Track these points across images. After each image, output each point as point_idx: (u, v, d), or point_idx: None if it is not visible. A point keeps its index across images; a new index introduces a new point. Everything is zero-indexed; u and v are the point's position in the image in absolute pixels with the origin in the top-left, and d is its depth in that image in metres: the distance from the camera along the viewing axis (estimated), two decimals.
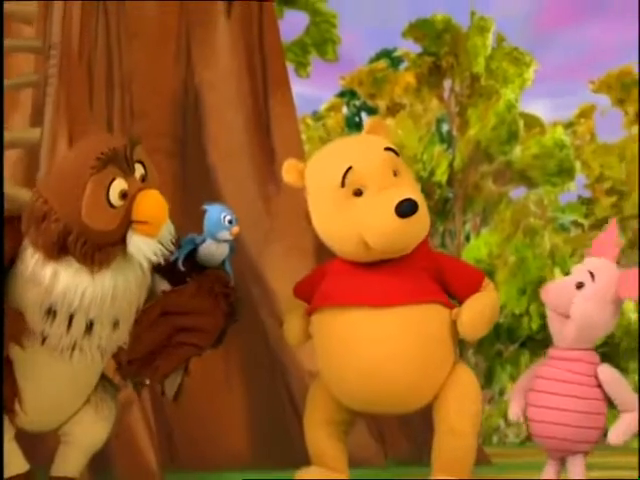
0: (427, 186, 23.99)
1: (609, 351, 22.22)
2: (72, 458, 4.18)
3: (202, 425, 7.45)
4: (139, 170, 3.72)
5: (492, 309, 4.20)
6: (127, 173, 3.67)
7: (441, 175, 24.32)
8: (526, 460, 10.00)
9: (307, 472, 4.32)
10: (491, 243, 23.24)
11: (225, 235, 4.00)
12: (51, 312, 3.72)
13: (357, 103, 29.71)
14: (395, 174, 4.11)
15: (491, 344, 22.37)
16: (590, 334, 4.25)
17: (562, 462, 4.32)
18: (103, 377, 4.13)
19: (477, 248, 23.31)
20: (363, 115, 29.95)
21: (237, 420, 7.69)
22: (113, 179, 3.63)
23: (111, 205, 3.62)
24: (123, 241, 3.68)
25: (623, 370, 22.83)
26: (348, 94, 28.74)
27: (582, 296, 4.18)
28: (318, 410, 4.37)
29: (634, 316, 22.45)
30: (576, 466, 4.24)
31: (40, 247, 3.70)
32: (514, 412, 4.42)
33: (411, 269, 4.12)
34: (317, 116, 27.94)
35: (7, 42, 7.48)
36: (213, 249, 4.01)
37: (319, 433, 4.34)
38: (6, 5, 7.44)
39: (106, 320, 3.78)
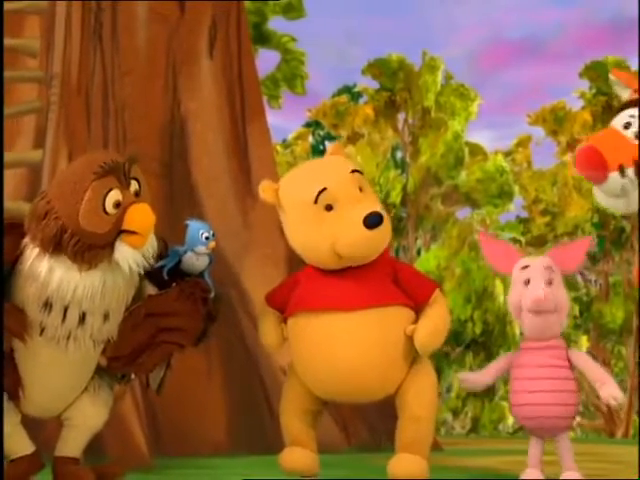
0: (383, 206, 23.96)
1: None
2: (73, 440, 4.14)
3: (185, 414, 7.43)
4: (134, 186, 3.77)
5: (443, 328, 4.19)
6: (123, 186, 3.71)
7: (395, 197, 24.37)
8: (470, 447, 10.09)
9: (289, 452, 4.34)
10: (440, 257, 23.30)
11: (202, 249, 4.05)
12: (48, 305, 3.73)
13: (321, 133, 29.71)
14: (360, 190, 4.16)
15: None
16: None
17: (543, 440, 4.36)
18: (100, 368, 4.13)
19: (427, 261, 23.36)
20: (327, 143, 29.97)
21: (216, 410, 7.68)
22: (110, 189, 3.67)
23: (105, 212, 3.67)
24: (110, 246, 3.71)
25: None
26: (314, 124, 28.73)
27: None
28: (293, 400, 4.38)
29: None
30: (563, 440, 4.31)
31: (38, 241, 3.72)
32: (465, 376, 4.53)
33: (375, 275, 4.15)
34: (286, 144, 27.92)
35: (13, 73, 7.48)
36: (193, 260, 4.05)
37: (293, 420, 4.36)
38: (13, 40, 7.45)
39: (97, 312, 3.80)
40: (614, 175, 3.75)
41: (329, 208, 4.08)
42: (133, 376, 4.14)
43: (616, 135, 3.86)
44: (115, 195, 3.68)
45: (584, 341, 23.33)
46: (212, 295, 4.07)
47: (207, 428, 7.59)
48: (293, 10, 16.73)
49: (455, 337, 21.98)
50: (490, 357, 22.30)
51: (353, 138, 25.17)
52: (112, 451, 6.34)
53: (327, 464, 4.57)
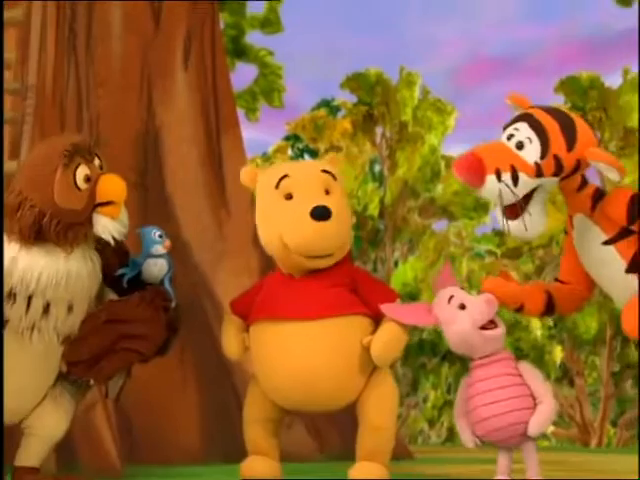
0: (361, 218, 24.07)
1: None
2: (34, 449, 4.09)
3: (159, 423, 7.38)
4: (97, 160, 3.88)
5: (399, 340, 4.16)
6: (89, 161, 3.81)
7: (373, 209, 24.40)
8: (444, 455, 10.06)
9: (251, 461, 4.31)
10: (417, 268, 23.32)
11: (159, 249, 4.04)
12: (11, 295, 3.72)
13: (301, 146, 29.67)
14: (327, 192, 4.13)
15: (416, 357, 22.46)
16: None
17: (511, 450, 4.29)
18: (63, 377, 4.09)
19: (404, 273, 23.39)
20: (306, 156, 29.97)
21: (190, 419, 7.62)
22: (78, 165, 3.75)
23: (77, 188, 3.74)
24: (89, 222, 3.79)
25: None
26: (293, 138, 28.70)
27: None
28: (255, 409, 4.36)
29: (539, 332, 22.67)
30: (529, 448, 4.23)
31: (17, 233, 3.74)
32: (468, 440, 4.30)
33: (335, 284, 4.12)
34: (266, 157, 27.83)
35: None
36: (152, 265, 4.03)
37: (256, 429, 4.33)
38: None
39: (61, 303, 3.80)
40: (491, 178, 3.84)
41: (289, 197, 4.07)
42: (92, 382, 4.10)
43: (498, 144, 3.99)
44: (83, 170, 3.77)
45: (558, 351, 23.35)
46: (173, 304, 4.05)
47: (182, 437, 7.53)
48: (270, 25, 16.74)
49: (432, 348, 21.99)
50: (465, 367, 22.26)
51: (331, 151, 25.14)
52: (83, 459, 6.31)
53: (297, 471, 4.55)
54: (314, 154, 27.22)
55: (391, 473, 4.30)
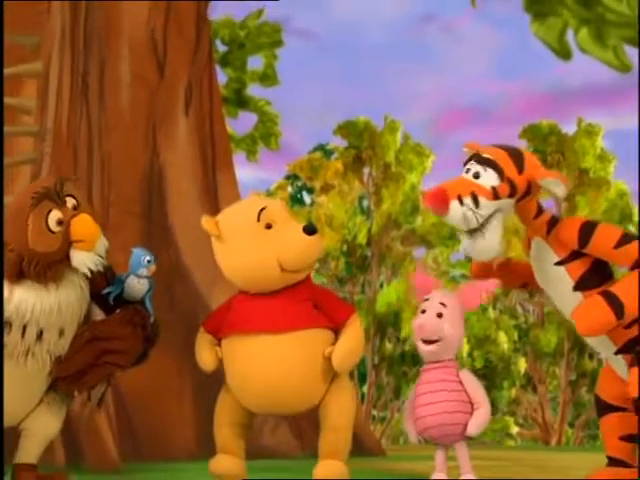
0: (351, 246, 24.07)
1: (488, 372, 22.28)
2: (30, 448, 4.01)
3: (159, 425, 7.34)
4: (70, 202, 3.69)
5: (357, 349, 4.10)
6: (60, 204, 3.64)
7: (362, 238, 24.36)
8: (417, 453, 9.93)
9: (218, 459, 4.23)
10: (399, 290, 23.22)
11: (144, 272, 3.95)
12: (7, 324, 3.61)
13: (299, 184, 29.71)
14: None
15: (398, 367, 22.41)
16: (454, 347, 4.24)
17: (447, 448, 4.20)
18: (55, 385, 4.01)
19: (389, 294, 23.31)
20: (304, 193, 30.02)
21: (186, 421, 7.57)
22: (49, 211, 3.60)
23: (51, 231, 3.59)
24: (67, 258, 3.64)
25: (498, 387, 22.93)
26: (292, 177, 28.68)
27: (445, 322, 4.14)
28: (224, 413, 4.27)
29: (506, 346, 22.58)
30: (461, 447, 4.14)
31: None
32: (412, 437, 4.25)
33: (299, 300, 4.05)
34: (269, 193, 27.84)
35: (12, 128, 7.42)
36: (135, 283, 3.95)
37: (224, 430, 4.25)
38: (12, 100, 7.41)
39: (53, 329, 3.69)
40: (454, 203, 3.84)
41: (269, 227, 4.00)
42: (77, 393, 4.03)
43: (459, 178, 4.01)
44: (55, 215, 3.62)
45: (522, 362, 23.27)
46: (151, 320, 3.97)
47: (179, 437, 7.48)
48: (268, 79, 16.78)
49: (412, 358, 21.88)
50: None
51: (325, 189, 25.15)
52: (88, 456, 6.30)
53: (281, 467, 4.47)
54: (310, 191, 27.22)
55: (361, 468, 4.21)
